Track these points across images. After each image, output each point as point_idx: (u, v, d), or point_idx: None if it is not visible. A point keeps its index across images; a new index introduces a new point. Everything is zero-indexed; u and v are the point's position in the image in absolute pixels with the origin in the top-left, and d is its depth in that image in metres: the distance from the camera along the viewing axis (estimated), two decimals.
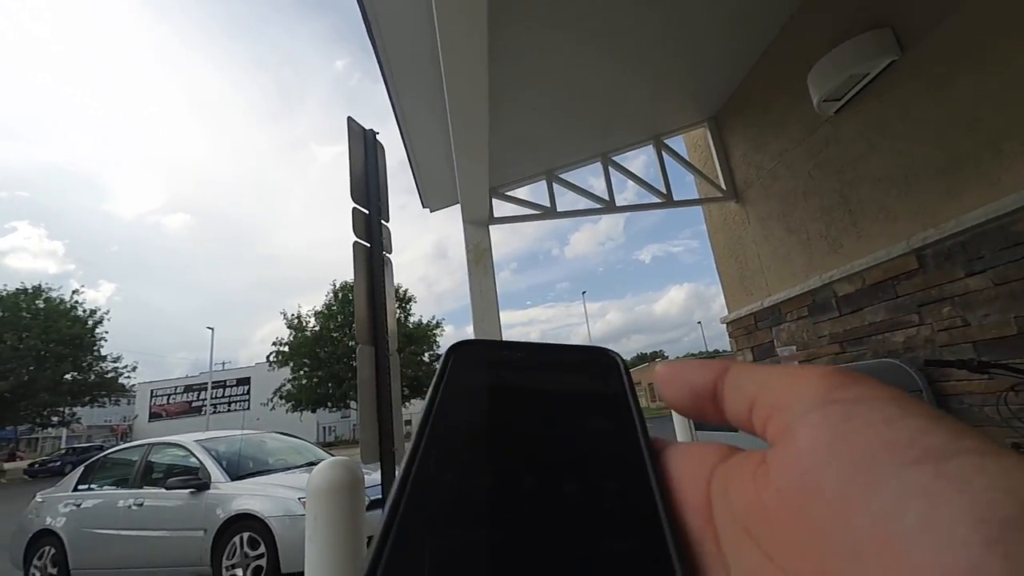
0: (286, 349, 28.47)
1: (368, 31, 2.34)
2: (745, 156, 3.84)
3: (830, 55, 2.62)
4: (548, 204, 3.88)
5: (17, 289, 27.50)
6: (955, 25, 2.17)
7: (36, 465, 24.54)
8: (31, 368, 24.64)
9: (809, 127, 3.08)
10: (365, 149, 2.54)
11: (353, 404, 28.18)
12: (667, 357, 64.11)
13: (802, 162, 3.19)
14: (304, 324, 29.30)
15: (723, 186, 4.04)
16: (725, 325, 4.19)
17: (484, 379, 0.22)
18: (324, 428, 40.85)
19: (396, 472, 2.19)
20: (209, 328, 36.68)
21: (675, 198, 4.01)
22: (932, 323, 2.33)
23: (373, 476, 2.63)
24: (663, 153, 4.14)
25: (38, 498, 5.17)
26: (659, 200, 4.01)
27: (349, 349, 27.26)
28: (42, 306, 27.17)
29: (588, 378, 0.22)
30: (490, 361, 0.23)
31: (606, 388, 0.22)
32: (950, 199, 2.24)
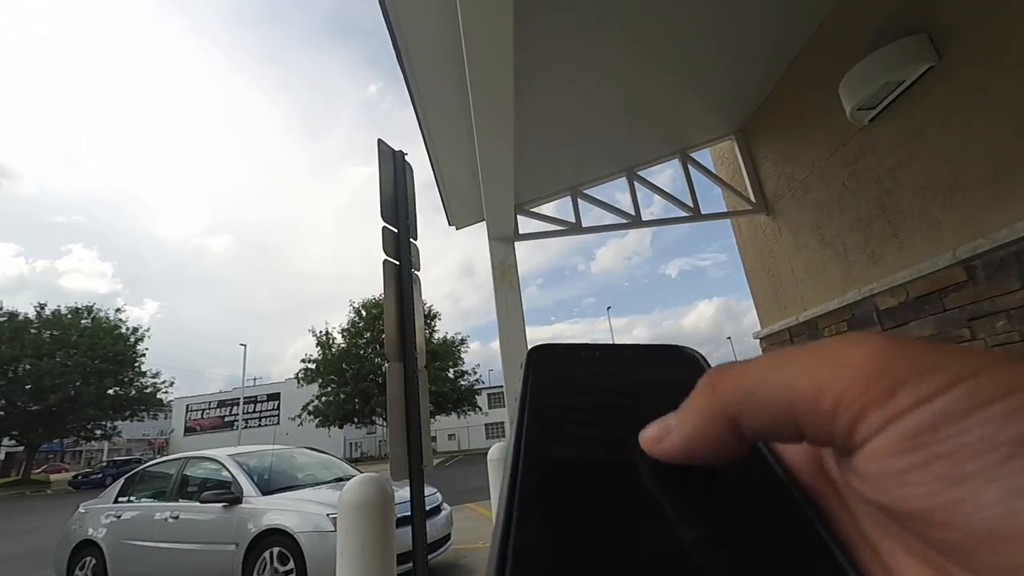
0: (313, 366, 29.07)
1: (397, 53, 2.43)
2: (775, 167, 3.77)
3: (863, 64, 2.57)
4: (573, 220, 3.88)
5: (69, 308, 29.12)
6: (994, 27, 2.10)
7: (80, 477, 25.56)
8: (77, 384, 25.86)
9: (842, 136, 3.01)
10: (394, 170, 2.61)
11: (379, 420, 28.41)
12: None
13: (836, 172, 3.10)
14: (331, 341, 29.90)
15: (752, 198, 3.96)
16: (758, 340, 4.06)
17: (573, 383, 0.21)
18: (351, 444, 41.22)
19: (424, 488, 2.18)
20: (242, 345, 37.90)
21: (703, 211, 3.95)
22: (985, 338, 2.20)
23: (402, 492, 2.63)
24: (689, 167, 4.10)
25: (81, 509, 5.37)
26: (686, 214, 3.96)
27: (375, 366, 27.61)
28: (89, 325, 28.64)
29: (673, 375, 0.22)
30: (573, 363, 0.23)
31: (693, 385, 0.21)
32: (999, 207, 2.13)
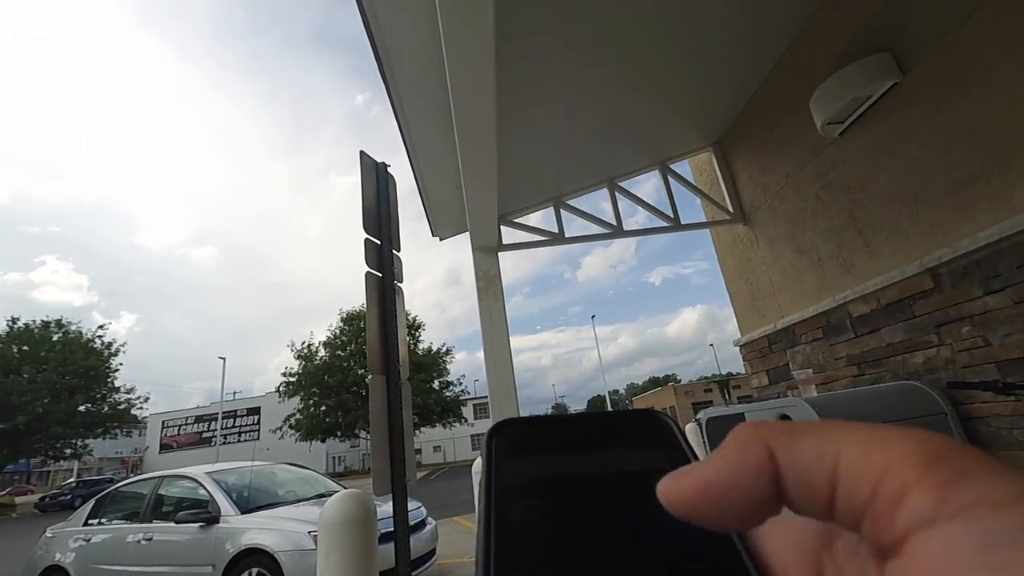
0: (295, 379, 28.49)
1: (378, 63, 2.44)
2: (751, 179, 3.87)
3: (831, 79, 2.67)
4: (556, 230, 3.92)
5: (38, 323, 28.04)
6: (952, 47, 2.21)
7: (47, 499, 24.44)
8: (46, 401, 24.85)
9: (814, 149, 3.11)
10: (377, 181, 2.60)
11: (362, 434, 27.92)
12: (679, 381, 63.00)
13: (809, 183, 3.20)
14: (313, 354, 29.38)
15: (730, 209, 4.06)
16: (739, 348, 4.14)
17: (536, 464, 0.20)
18: (334, 458, 40.39)
19: (407, 504, 2.15)
20: (221, 358, 36.96)
21: (683, 221, 4.03)
22: (952, 343, 2.28)
23: (385, 508, 2.59)
24: (669, 178, 4.19)
25: (48, 533, 5.14)
26: (666, 224, 4.03)
27: (358, 377, 27.19)
28: (60, 339, 27.60)
29: (643, 448, 0.21)
30: (536, 441, 0.21)
31: (666, 458, 0.20)
32: (962, 217, 2.23)
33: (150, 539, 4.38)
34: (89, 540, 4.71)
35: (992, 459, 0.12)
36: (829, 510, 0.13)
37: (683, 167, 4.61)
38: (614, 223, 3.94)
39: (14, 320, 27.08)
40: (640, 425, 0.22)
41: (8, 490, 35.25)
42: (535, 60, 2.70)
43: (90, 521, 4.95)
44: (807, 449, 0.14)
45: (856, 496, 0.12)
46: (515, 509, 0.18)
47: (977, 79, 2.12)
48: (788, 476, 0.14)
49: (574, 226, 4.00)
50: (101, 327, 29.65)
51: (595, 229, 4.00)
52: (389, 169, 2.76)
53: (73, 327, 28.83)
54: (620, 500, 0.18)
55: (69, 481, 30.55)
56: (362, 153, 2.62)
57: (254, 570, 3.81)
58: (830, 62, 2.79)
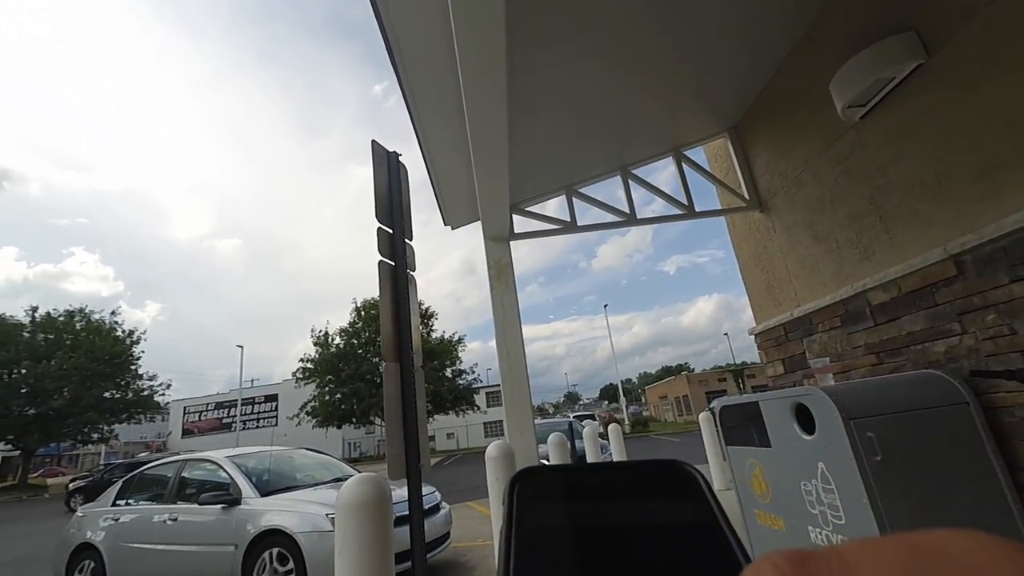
0: (311, 366, 29.01)
1: (389, 53, 2.43)
2: (768, 165, 3.79)
3: (853, 61, 2.59)
4: (568, 218, 3.89)
5: (62, 312, 28.91)
6: (982, 25, 2.12)
7: (77, 480, 25.37)
8: (75, 387, 25.71)
9: (834, 134, 3.03)
10: (388, 171, 2.61)
11: (377, 420, 28.40)
12: (692, 370, 62.56)
13: (828, 169, 3.13)
14: (330, 342, 29.84)
15: (746, 196, 3.99)
16: (754, 337, 4.09)
17: (559, 512, 0.20)
18: (349, 444, 41.17)
19: (421, 487, 2.20)
20: (239, 346, 37.76)
21: (697, 209, 3.97)
22: (976, 332, 2.23)
23: (401, 492, 2.64)
24: (683, 164, 4.12)
25: (79, 512, 5.36)
26: (681, 212, 3.98)
27: (372, 366, 27.57)
28: (83, 327, 28.44)
29: (667, 500, 0.20)
30: (560, 489, 0.21)
31: (691, 511, 0.19)
32: (988, 203, 2.16)
33: (175, 519, 4.54)
34: (118, 520, 4.90)
35: None
36: None
37: (698, 154, 4.53)
38: (627, 211, 3.90)
39: (34, 309, 27.91)
40: (665, 476, 0.21)
41: (40, 472, 36.72)
42: (549, 41, 2.66)
43: (118, 502, 5.15)
44: None
45: None
46: (536, 558, 0.17)
47: (1008, 58, 2.03)
48: None
49: (588, 215, 3.98)
50: (113, 313, 30.39)
51: (608, 218, 3.96)
52: (401, 158, 2.77)
53: (95, 316, 29.67)
54: (643, 553, 0.17)
55: (99, 465, 31.69)
56: (374, 142, 2.62)
57: (274, 550, 3.94)
58: (851, 43, 2.70)
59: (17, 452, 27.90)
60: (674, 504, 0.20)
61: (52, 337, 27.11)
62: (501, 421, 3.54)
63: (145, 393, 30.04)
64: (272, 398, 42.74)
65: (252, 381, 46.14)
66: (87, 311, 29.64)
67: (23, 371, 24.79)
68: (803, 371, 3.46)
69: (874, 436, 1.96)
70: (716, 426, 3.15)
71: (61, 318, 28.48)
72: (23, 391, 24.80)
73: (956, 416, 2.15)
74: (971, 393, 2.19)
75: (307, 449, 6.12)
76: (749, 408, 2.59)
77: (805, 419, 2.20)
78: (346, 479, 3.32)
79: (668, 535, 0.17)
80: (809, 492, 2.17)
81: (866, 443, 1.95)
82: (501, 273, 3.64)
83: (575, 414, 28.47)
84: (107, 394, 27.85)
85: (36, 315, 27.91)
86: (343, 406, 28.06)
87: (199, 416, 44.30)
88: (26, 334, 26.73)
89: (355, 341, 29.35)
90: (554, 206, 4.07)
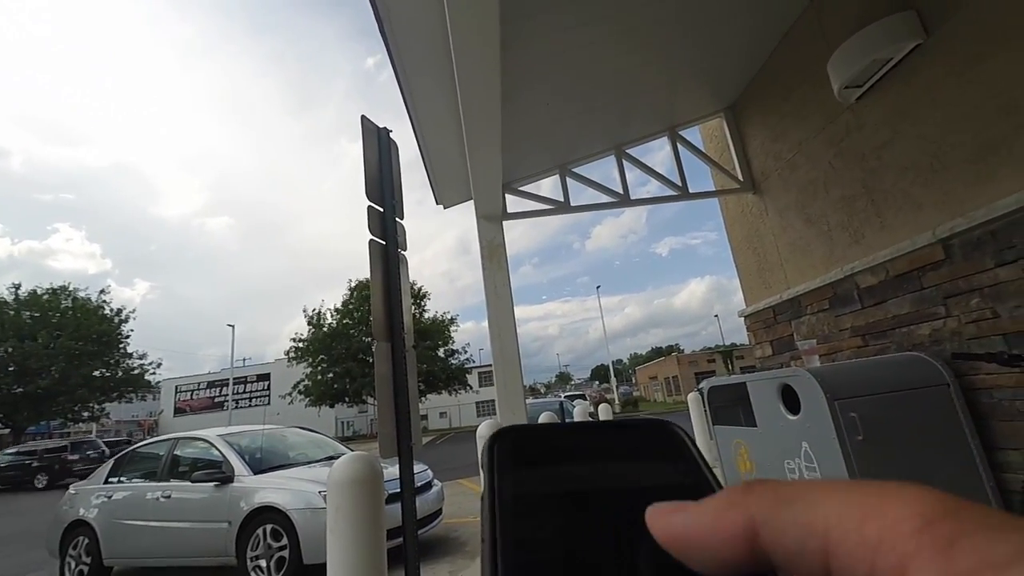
0: (303, 345, 28.96)
1: (380, 27, 2.35)
2: (763, 146, 3.77)
3: (851, 40, 2.55)
4: (562, 198, 3.86)
5: (45, 289, 28.43)
6: (983, 6, 2.09)
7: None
8: (63, 365, 25.50)
9: (830, 115, 3.01)
10: (379, 147, 2.55)
11: (370, 399, 28.58)
12: (683, 351, 63.44)
13: (822, 151, 3.11)
14: (323, 321, 29.75)
15: (740, 177, 3.97)
16: (743, 319, 4.13)
17: (542, 476, 0.19)
18: (342, 423, 41.50)
19: (412, 465, 2.22)
20: (230, 325, 37.54)
21: (691, 190, 3.96)
22: (960, 315, 2.26)
23: (392, 470, 2.67)
24: (678, 145, 4.08)
25: (72, 490, 5.37)
26: (674, 193, 3.96)
27: (364, 345, 27.59)
28: (70, 306, 28.04)
29: (654, 461, 0.20)
30: (541, 451, 0.20)
31: (679, 472, 0.19)
32: (979, 186, 2.16)
33: (168, 496, 4.57)
34: (111, 497, 4.92)
35: (984, 510, 0.12)
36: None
37: (693, 134, 4.49)
38: (621, 192, 3.87)
39: (17, 287, 27.41)
40: (651, 436, 0.21)
41: None
42: (543, 16, 2.59)
43: (110, 480, 5.16)
44: (794, 523, 0.13)
45: (852, 567, 0.12)
46: (521, 526, 0.17)
47: (1007, 39, 2.02)
48: (776, 552, 0.14)
49: (582, 196, 3.94)
50: (102, 292, 29.92)
51: (602, 198, 3.94)
52: (393, 135, 2.71)
53: (81, 294, 29.24)
54: (630, 516, 0.17)
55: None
56: (363, 118, 2.55)
57: (268, 526, 3.99)
58: (851, 22, 2.66)
59: (7, 430, 27.79)
60: (661, 464, 0.19)
61: (38, 315, 26.72)
62: (493, 401, 3.57)
63: (135, 372, 29.87)
64: (264, 377, 42.77)
65: (244, 360, 46.01)
66: (72, 289, 29.16)
67: (9, 350, 24.50)
68: (791, 353, 3.51)
69: (857, 416, 2.00)
70: (704, 406, 3.20)
71: (46, 296, 28.02)
72: (10, 369, 24.56)
73: (937, 397, 2.20)
74: (952, 375, 2.24)
75: (300, 428, 6.15)
76: (737, 388, 2.64)
77: (791, 400, 2.25)
78: (338, 457, 3.34)
79: (655, 496, 0.17)
80: (792, 471, 2.23)
81: (849, 423, 1.99)
82: (493, 253, 3.62)
83: (566, 394, 28.86)
84: (96, 373, 27.66)
85: (19, 293, 27.43)
86: (336, 385, 28.14)
87: (191, 395, 44.29)
88: (11, 312, 26.32)
89: (348, 320, 29.28)
90: (548, 186, 4.03)
